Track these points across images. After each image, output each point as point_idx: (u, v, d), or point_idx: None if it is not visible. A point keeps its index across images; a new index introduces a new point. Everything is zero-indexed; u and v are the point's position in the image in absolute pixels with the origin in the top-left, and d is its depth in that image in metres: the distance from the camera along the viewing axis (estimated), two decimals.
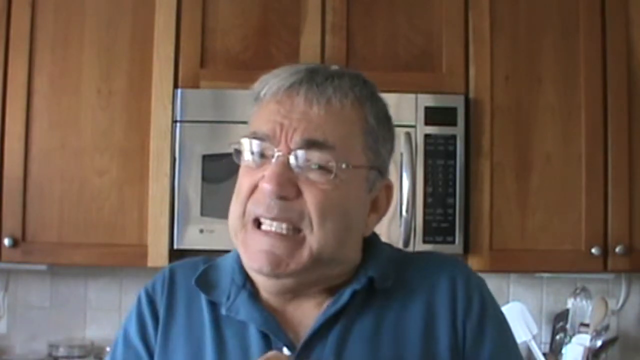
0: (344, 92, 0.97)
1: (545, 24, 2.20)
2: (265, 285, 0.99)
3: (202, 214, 2.07)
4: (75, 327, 2.45)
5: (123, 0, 2.18)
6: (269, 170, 0.94)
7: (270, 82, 0.98)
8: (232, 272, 1.04)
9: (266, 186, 0.93)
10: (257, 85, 1.01)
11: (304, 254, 0.94)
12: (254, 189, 0.96)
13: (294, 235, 0.94)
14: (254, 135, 0.97)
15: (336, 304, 0.98)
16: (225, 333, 1.00)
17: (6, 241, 2.10)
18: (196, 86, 2.15)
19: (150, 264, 2.12)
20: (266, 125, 0.96)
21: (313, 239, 0.94)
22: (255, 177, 0.96)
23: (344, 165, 0.95)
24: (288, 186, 0.93)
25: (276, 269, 0.94)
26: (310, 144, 0.94)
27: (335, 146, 0.94)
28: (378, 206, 1.03)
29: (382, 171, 1.02)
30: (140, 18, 2.17)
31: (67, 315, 2.45)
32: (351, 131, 0.97)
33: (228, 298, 1.01)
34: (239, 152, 1.00)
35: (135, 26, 2.17)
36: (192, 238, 2.08)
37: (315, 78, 0.97)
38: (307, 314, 0.99)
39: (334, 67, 1.02)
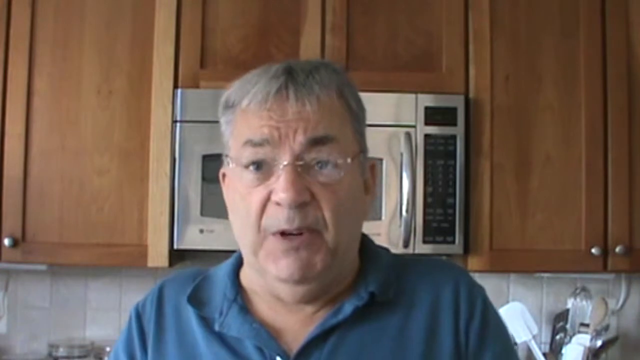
0: (326, 84, 0.96)
1: (545, 24, 2.20)
2: (287, 294, 0.98)
3: (202, 214, 2.07)
4: (75, 327, 2.45)
5: (123, 0, 2.18)
6: (282, 179, 0.91)
7: (252, 91, 0.95)
8: (224, 286, 1.03)
9: (284, 196, 0.91)
10: (234, 95, 0.98)
11: (324, 252, 0.94)
12: (265, 204, 0.93)
13: (313, 237, 0.93)
14: (250, 143, 0.94)
15: (336, 316, 0.97)
16: (219, 348, 0.99)
17: (6, 241, 2.10)
18: (196, 86, 2.15)
19: (150, 264, 2.12)
20: (260, 130, 0.93)
21: (329, 237, 0.94)
22: (262, 191, 0.93)
23: (349, 160, 0.95)
24: (305, 192, 0.92)
25: (307, 273, 0.93)
26: (314, 142, 0.93)
27: (337, 137, 0.95)
28: (368, 186, 1.03)
29: (366, 152, 1.02)
30: (140, 18, 2.17)
31: (67, 315, 2.45)
32: (343, 120, 0.98)
33: (220, 314, 1.00)
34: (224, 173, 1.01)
35: (135, 26, 2.17)
36: (192, 238, 2.08)
37: (297, 78, 0.95)
38: (304, 324, 0.99)
39: (303, 61, 1.01)
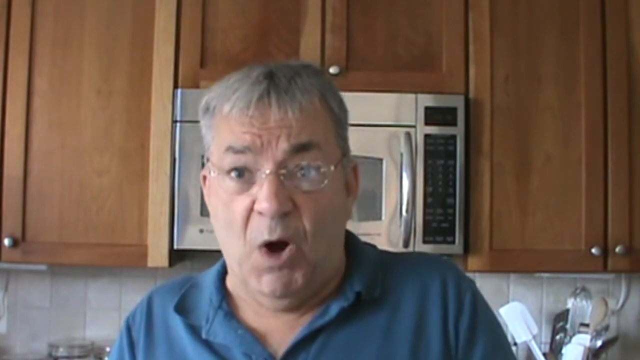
0: (308, 89, 0.95)
1: (545, 24, 2.20)
2: (270, 305, 0.99)
3: (202, 214, 2.07)
4: (75, 327, 2.45)
5: (123, 1, 2.18)
6: (265, 188, 0.91)
7: (234, 98, 0.94)
8: (210, 293, 1.03)
9: (267, 206, 0.90)
10: (215, 100, 0.97)
11: (305, 267, 0.94)
12: (249, 213, 0.93)
13: (295, 253, 0.93)
14: (231, 150, 0.93)
15: (322, 318, 0.97)
16: (207, 355, 0.99)
17: (6, 241, 2.10)
18: (196, 86, 2.14)
19: (150, 264, 2.12)
20: (242, 137, 0.92)
21: (308, 249, 0.93)
22: (245, 200, 0.93)
23: (332, 168, 0.94)
24: (287, 201, 0.91)
25: (288, 289, 0.94)
26: (298, 149, 0.92)
27: (320, 143, 0.94)
28: (350, 188, 1.02)
29: (349, 154, 1.02)
30: (140, 18, 2.17)
31: (67, 315, 2.45)
32: (326, 124, 0.97)
33: (207, 321, 1.00)
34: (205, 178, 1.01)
35: (135, 26, 2.17)
36: (192, 238, 2.08)
37: (279, 83, 0.94)
38: (291, 327, 0.98)
39: (284, 64, 0.99)
